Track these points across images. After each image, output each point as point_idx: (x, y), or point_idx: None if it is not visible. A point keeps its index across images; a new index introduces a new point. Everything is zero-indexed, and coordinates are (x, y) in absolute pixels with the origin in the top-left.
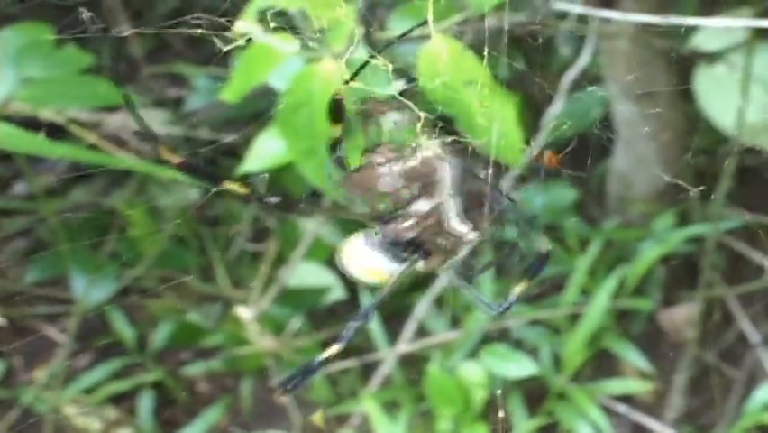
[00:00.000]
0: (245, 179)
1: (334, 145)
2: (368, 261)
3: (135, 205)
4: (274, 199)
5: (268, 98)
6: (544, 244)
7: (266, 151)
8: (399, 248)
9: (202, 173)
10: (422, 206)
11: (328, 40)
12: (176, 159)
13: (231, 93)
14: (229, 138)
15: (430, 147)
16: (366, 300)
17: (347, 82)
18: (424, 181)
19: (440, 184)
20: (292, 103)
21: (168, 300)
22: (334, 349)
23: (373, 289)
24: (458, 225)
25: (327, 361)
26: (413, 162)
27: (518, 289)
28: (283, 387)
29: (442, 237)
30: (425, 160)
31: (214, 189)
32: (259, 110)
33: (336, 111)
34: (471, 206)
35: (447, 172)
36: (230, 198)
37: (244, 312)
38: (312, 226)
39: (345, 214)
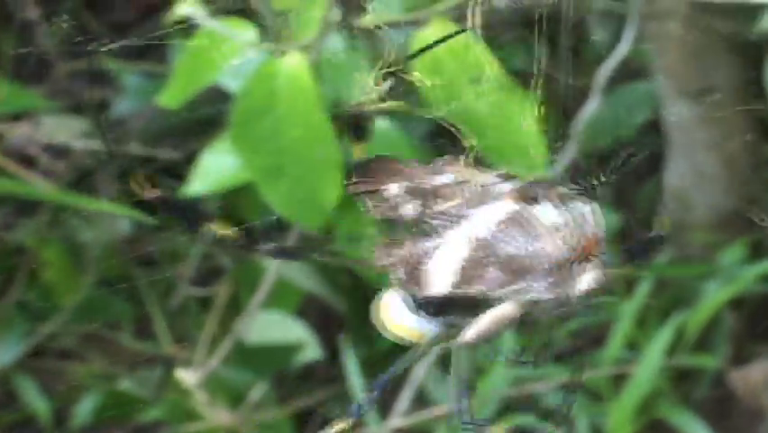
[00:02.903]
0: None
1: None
2: (404, 319)
3: (49, 240)
4: (267, 247)
5: (218, 102)
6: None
7: (216, 168)
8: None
9: (181, 211)
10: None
11: (294, 26)
12: (151, 192)
13: (170, 97)
14: (168, 153)
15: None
16: (351, 362)
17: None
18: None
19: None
20: (249, 108)
21: (93, 363)
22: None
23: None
24: None
25: None
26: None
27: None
28: None
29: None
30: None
31: (198, 237)
32: (207, 117)
33: (356, 128)
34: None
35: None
36: (171, 230)
37: (187, 376)
38: (275, 266)
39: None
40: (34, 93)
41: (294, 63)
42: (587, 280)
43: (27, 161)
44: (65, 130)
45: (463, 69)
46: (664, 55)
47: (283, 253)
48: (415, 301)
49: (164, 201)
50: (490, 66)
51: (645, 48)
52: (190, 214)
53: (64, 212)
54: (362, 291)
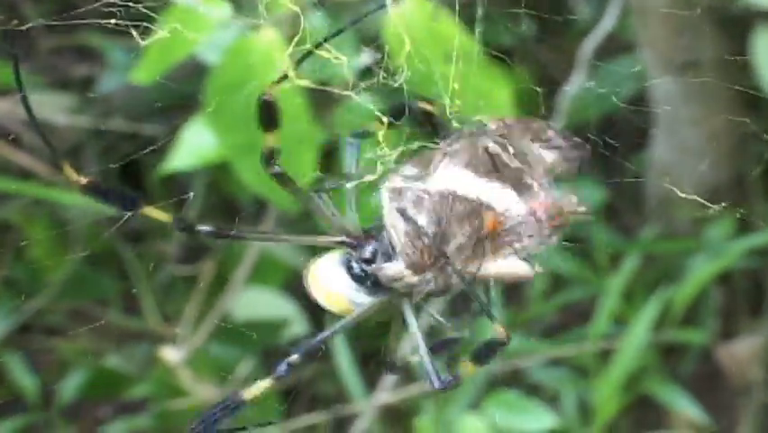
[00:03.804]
0: (172, 202)
1: (270, 157)
2: (335, 285)
3: (35, 218)
4: (205, 228)
5: (201, 79)
6: (500, 330)
7: (196, 145)
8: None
9: (115, 196)
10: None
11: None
12: (81, 179)
13: (144, 72)
14: (152, 129)
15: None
16: (338, 338)
17: (299, 63)
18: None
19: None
20: (223, 84)
21: (80, 340)
22: (263, 385)
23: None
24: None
25: (251, 402)
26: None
27: (467, 369)
28: (193, 430)
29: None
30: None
31: (128, 215)
32: (190, 93)
33: (267, 114)
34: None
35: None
36: (154, 204)
37: (172, 353)
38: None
39: (305, 241)
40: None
41: (268, 39)
42: None
43: (9, 139)
44: (49, 106)
45: (439, 45)
46: (649, 29)
47: (221, 235)
48: (356, 270)
49: (95, 187)
50: (466, 42)
51: (630, 22)
52: (120, 199)
53: (50, 188)
54: None
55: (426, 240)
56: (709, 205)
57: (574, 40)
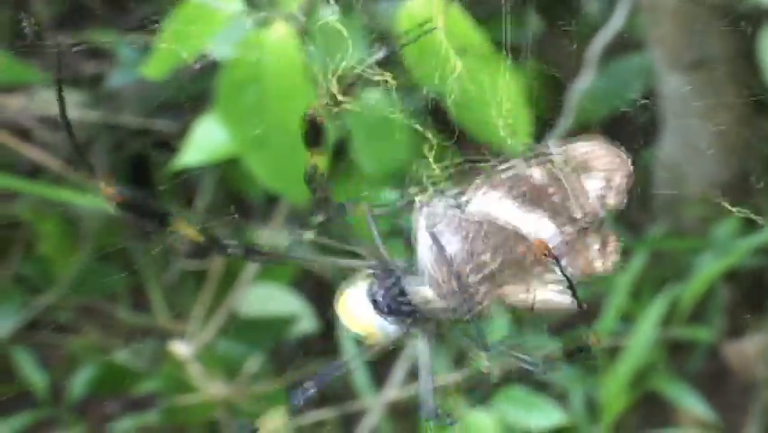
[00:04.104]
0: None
1: (313, 179)
2: (364, 315)
3: (45, 213)
4: (237, 249)
5: (213, 75)
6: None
7: (208, 140)
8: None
9: (148, 213)
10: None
11: None
12: (115, 194)
13: (154, 66)
14: (163, 125)
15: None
16: (346, 334)
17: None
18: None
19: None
20: (235, 79)
21: (89, 336)
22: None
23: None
24: None
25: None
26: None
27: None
28: None
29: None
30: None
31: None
32: (202, 89)
33: (314, 134)
34: None
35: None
36: (166, 202)
37: (180, 348)
38: (270, 237)
39: (337, 263)
40: (29, 65)
41: (279, 33)
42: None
43: (22, 134)
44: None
45: (449, 42)
46: (658, 27)
47: (252, 254)
48: (381, 300)
49: (125, 203)
50: (475, 38)
51: (640, 20)
52: (153, 216)
53: (59, 183)
54: None
55: (452, 267)
56: (726, 204)
57: (583, 38)
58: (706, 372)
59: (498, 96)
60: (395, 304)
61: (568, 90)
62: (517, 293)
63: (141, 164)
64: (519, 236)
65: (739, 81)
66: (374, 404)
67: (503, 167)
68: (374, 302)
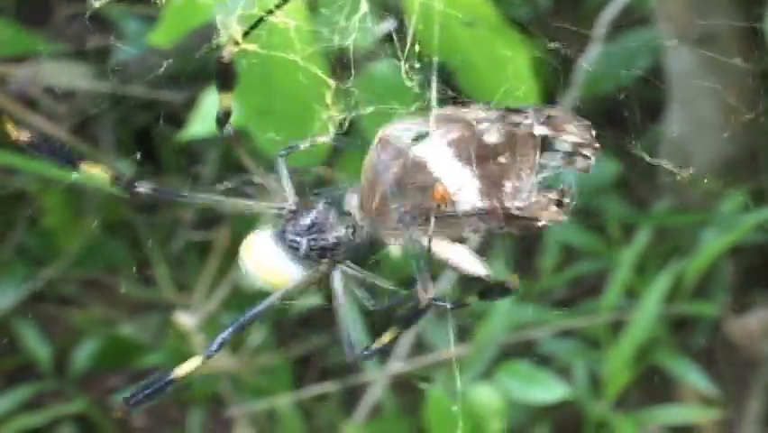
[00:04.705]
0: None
1: (224, 118)
2: (269, 258)
3: (49, 186)
4: (144, 188)
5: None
6: (513, 279)
7: (214, 112)
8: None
9: (54, 153)
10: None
11: None
12: (21, 136)
13: (161, 35)
14: (169, 96)
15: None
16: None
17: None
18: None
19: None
20: (241, 49)
21: (93, 309)
22: (194, 363)
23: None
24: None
25: (181, 380)
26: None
27: (387, 337)
28: (127, 402)
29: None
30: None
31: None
32: (208, 61)
33: (225, 76)
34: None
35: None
36: (168, 174)
37: (185, 319)
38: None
39: (245, 205)
40: (36, 36)
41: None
42: None
43: (30, 104)
44: (66, 73)
45: (457, 13)
46: (666, 2)
47: (159, 194)
48: (290, 243)
49: (34, 144)
50: (484, 9)
51: None
52: (60, 154)
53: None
54: None
55: (383, 190)
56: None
57: (591, 12)
58: (709, 347)
59: (506, 69)
60: (314, 242)
61: (575, 64)
62: (441, 247)
63: (146, 137)
64: (438, 183)
65: (749, 56)
66: (378, 377)
67: (466, 109)
68: (291, 243)
